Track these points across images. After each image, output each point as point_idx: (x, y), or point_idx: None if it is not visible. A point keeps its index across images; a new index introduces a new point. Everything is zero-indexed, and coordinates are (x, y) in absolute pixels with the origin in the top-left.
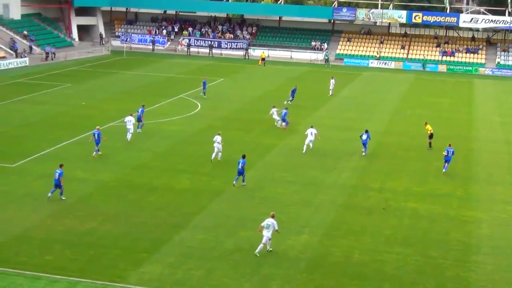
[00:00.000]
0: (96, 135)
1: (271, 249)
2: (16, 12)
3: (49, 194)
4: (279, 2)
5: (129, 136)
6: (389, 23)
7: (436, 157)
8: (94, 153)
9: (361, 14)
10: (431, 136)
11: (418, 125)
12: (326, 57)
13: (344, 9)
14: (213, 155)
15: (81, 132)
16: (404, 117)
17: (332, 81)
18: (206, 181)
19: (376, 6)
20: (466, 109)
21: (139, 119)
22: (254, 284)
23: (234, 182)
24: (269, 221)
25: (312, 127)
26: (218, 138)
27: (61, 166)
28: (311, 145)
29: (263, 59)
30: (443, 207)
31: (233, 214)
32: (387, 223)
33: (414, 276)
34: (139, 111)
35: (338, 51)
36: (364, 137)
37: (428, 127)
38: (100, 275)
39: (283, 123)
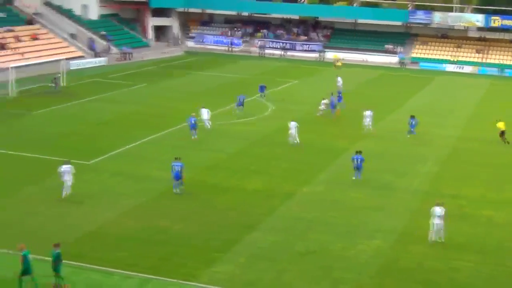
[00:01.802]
0: (192, 120)
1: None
2: (94, 13)
3: (175, 190)
4: (354, 5)
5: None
6: (466, 27)
7: None
8: (194, 136)
9: (437, 18)
10: (502, 133)
11: (495, 131)
12: (402, 60)
13: (420, 12)
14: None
15: (155, 132)
16: (480, 123)
17: (339, 79)
18: (277, 182)
19: (452, 10)
20: None
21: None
22: None
23: (354, 177)
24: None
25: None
26: (293, 124)
27: (177, 159)
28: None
29: (338, 60)
30: None
31: (304, 216)
32: (461, 230)
33: (487, 286)
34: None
35: (413, 55)
36: (412, 122)
37: (500, 124)
38: (172, 273)
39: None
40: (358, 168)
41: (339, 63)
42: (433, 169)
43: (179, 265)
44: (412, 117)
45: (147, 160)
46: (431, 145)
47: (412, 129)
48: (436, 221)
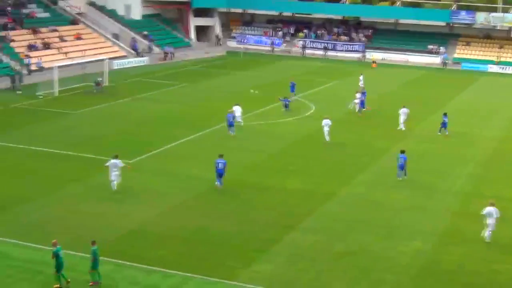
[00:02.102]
0: (231, 117)
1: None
2: (137, 13)
3: (219, 185)
4: (396, 5)
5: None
6: (510, 27)
7: None
8: (231, 133)
9: (480, 18)
10: None
11: None
12: (444, 61)
13: (463, 13)
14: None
15: (196, 131)
16: None
17: (361, 78)
18: (318, 183)
19: (496, 10)
20: None
21: (230, 124)
22: None
23: (398, 177)
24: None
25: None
26: (326, 122)
27: (221, 156)
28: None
29: (374, 62)
30: None
31: (344, 217)
32: (503, 233)
33: None
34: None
35: (456, 55)
36: (446, 119)
37: None
38: (211, 272)
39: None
40: (401, 167)
41: (374, 64)
42: (475, 170)
43: (219, 264)
44: (445, 114)
45: (187, 159)
46: (474, 146)
47: (444, 127)
48: (491, 221)
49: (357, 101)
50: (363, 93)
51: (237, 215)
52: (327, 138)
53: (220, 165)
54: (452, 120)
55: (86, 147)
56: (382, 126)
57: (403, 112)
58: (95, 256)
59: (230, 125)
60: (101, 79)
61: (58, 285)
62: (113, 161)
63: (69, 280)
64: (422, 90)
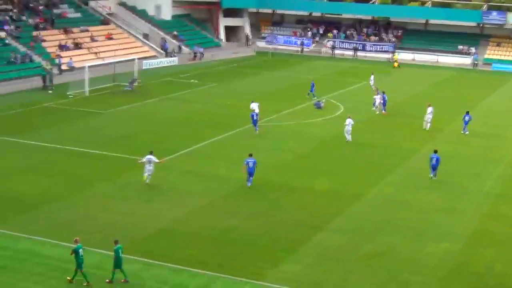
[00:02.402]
0: (254, 115)
1: None
2: (167, 13)
3: (249, 184)
4: (426, 5)
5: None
6: None
7: None
8: (257, 130)
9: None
10: None
11: None
12: (475, 62)
13: (494, 13)
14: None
15: (224, 131)
16: None
17: (372, 77)
18: (346, 183)
19: None
20: None
21: (255, 123)
22: None
23: (431, 175)
24: None
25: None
26: (349, 121)
27: (251, 155)
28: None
29: (396, 61)
30: None
31: (372, 218)
32: None
33: None
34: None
35: (486, 56)
36: (467, 118)
37: None
38: (239, 271)
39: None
40: (434, 167)
41: (396, 63)
42: (506, 171)
43: (246, 264)
44: (467, 113)
45: (216, 159)
46: (504, 147)
47: (465, 125)
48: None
49: (377, 102)
50: (383, 94)
51: (265, 215)
52: (348, 137)
53: (251, 164)
54: (482, 121)
55: (115, 147)
56: (411, 126)
57: (429, 111)
58: (117, 255)
59: (254, 123)
60: (136, 78)
61: (86, 283)
62: (148, 156)
63: (70, 279)
64: (452, 91)
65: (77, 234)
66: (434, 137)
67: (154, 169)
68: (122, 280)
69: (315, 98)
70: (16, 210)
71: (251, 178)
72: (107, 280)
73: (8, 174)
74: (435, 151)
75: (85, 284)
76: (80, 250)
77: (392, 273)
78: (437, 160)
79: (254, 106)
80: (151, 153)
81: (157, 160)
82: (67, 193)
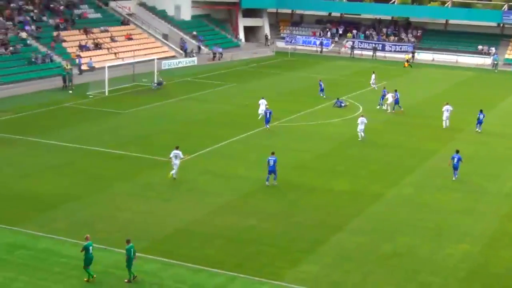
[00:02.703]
0: (268, 113)
1: None
2: (186, 13)
3: (267, 183)
4: (446, 5)
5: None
6: None
7: None
8: (267, 126)
9: None
10: None
11: None
12: (495, 62)
13: None
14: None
15: (243, 131)
16: None
17: (373, 76)
18: (365, 184)
19: None
20: None
21: (267, 121)
22: None
23: (454, 178)
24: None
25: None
26: (362, 120)
27: (273, 153)
28: (362, 134)
29: (407, 61)
30: None
31: (391, 218)
32: None
33: None
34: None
35: (507, 56)
36: (481, 116)
37: None
38: (257, 271)
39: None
40: (455, 167)
41: (406, 63)
42: None
43: (265, 264)
44: (481, 111)
45: (235, 159)
46: None
47: (478, 123)
48: None
49: (390, 100)
50: (395, 93)
51: (284, 216)
52: (362, 135)
53: (271, 162)
54: (502, 121)
55: (135, 146)
56: (431, 127)
57: (446, 109)
58: (129, 255)
59: (267, 121)
60: (161, 79)
61: (86, 279)
62: (174, 151)
63: (94, 275)
64: (472, 91)
65: (97, 234)
66: (453, 137)
67: (179, 164)
68: (125, 280)
69: (324, 97)
70: (36, 209)
71: (268, 176)
72: (126, 280)
73: (28, 174)
74: (457, 151)
75: (85, 279)
76: (91, 248)
77: (411, 274)
78: (458, 159)
79: (262, 102)
80: (177, 148)
81: (182, 156)
82: (87, 192)
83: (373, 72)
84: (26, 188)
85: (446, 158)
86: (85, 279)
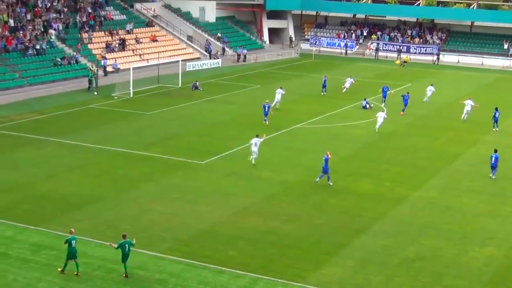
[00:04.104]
0: (266, 107)
1: None
2: (211, 15)
3: (318, 180)
4: (471, 7)
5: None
6: None
7: None
8: (265, 121)
9: None
10: None
11: None
12: None
13: None
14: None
15: (268, 133)
16: None
17: (350, 80)
18: (389, 187)
19: None
20: None
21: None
22: None
23: (491, 175)
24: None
25: (257, 136)
26: (381, 114)
27: (328, 153)
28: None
29: (405, 61)
30: None
31: (415, 221)
32: None
33: None
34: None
35: None
36: (497, 114)
37: None
38: (280, 273)
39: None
40: (493, 166)
41: (397, 61)
42: None
43: (288, 266)
44: (496, 109)
45: (259, 161)
46: None
47: (495, 122)
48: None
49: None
50: (404, 96)
51: (307, 218)
52: (380, 123)
53: (324, 162)
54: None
55: (159, 148)
56: (456, 129)
57: (468, 103)
58: (122, 250)
59: (265, 114)
60: (197, 81)
61: (61, 269)
62: (254, 139)
63: (79, 273)
64: (497, 93)
65: (121, 234)
66: (478, 140)
67: (258, 152)
68: (123, 275)
69: (325, 94)
70: (61, 210)
71: (322, 174)
72: (124, 275)
73: (53, 174)
74: (495, 151)
75: (59, 269)
76: (73, 241)
77: (435, 277)
78: (496, 159)
79: (279, 92)
80: (257, 136)
81: (261, 139)
82: (111, 193)
83: (350, 76)
84: (51, 189)
85: (470, 161)
86: (59, 269)
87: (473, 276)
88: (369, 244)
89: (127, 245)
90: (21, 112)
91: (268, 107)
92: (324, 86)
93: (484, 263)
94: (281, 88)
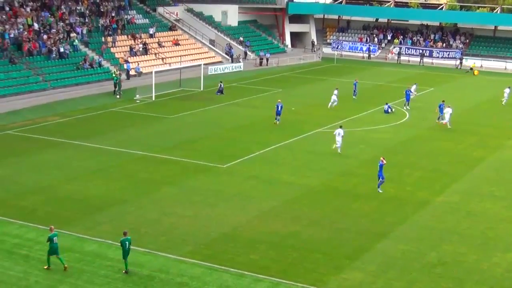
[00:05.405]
0: (279, 107)
1: None
2: (233, 19)
3: (380, 190)
4: (495, 11)
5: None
6: None
7: None
8: (276, 121)
9: None
10: None
11: None
12: None
13: None
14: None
15: (289, 137)
16: None
17: (335, 92)
18: (411, 191)
19: None
20: None
21: (278, 113)
22: None
23: None
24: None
25: (340, 127)
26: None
27: (383, 158)
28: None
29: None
30: None
31: (437, 226)
32: None
33: None
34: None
35: None
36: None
37: None
38: (301, 277)
39: (442, 120)
40: None
41: (391, 52)
42: None
43: (309, 270)
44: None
45: (280, 165)
46: None
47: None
48: None
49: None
50: (440, 105)
51: (329, 222)
52: (340, 142)
53: (379, 168)
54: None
55: (180, 151)
56: (478, 134)
57: (506, 92)
58: (123, 247)
59: (277, 113)
60: (222, 82)
61: (46, 267)
62: (338, 130)
63: (66, 266)
64: None
65: (142, 237)
66: (501, 145)
67: (342, 141)
68: (123, 271)
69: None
70: (83, 212)
71: (380, 180)
72: (124, 271)
73: (75, 177)
74: None
75: (45, 267)
76: (55, 238)
77: (457, 282)
78: None
79: (335, 93)
80: (340, 127)
81: (343, 133)
82: (133, 196)
83: (336, 88)
84: (73, 191)
85: (493, 166)
86: (45, 267)
87: (495, 282)
88: (390, 249)
89: (127, 242)
90: (44, 115)
91: (281, 107)
92: (354, 90)
93: (506, 269)
94: (337, 89)
